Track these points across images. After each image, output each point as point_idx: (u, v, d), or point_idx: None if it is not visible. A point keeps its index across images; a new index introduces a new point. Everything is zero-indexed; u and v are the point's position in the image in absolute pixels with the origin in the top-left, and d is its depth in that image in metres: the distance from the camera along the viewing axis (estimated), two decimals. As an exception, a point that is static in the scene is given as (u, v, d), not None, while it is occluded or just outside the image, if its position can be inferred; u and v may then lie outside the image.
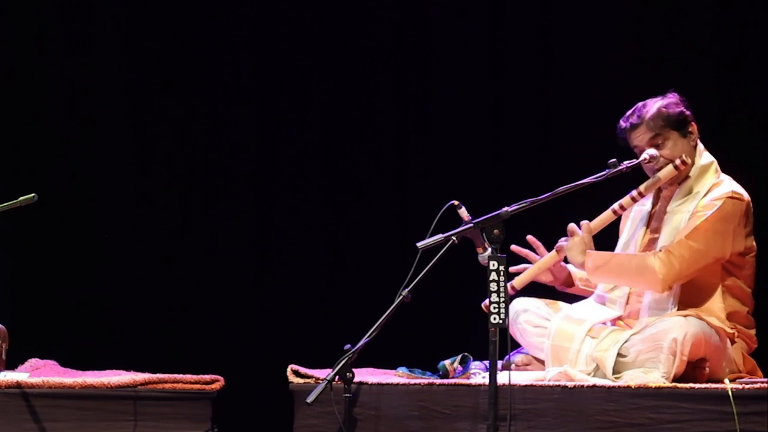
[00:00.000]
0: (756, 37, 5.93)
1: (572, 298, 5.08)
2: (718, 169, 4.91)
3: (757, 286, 4.91)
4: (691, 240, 4.72)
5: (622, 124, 4.91)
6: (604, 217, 4.90)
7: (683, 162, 4.82)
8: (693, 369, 4.63)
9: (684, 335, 4.58)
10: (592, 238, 4.85)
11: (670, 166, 4.84)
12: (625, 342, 4.64)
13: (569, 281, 5.09)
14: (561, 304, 5.01)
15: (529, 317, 4.94)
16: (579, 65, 6.16)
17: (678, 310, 4.74)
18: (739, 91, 5.96)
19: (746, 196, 4.81)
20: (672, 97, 4.90)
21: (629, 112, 4.91)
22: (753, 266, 4.85)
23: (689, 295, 4.78)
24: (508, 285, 4.44)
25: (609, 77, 6.06)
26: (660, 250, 4.74)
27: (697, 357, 4.63)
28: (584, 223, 4.86)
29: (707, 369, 4.66)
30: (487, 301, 4.71)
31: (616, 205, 4.89)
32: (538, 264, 4.94)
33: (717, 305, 4.77)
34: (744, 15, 5.95)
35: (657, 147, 4.85)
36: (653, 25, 6.06)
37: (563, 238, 4.90)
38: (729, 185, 4.84)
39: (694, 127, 4.90)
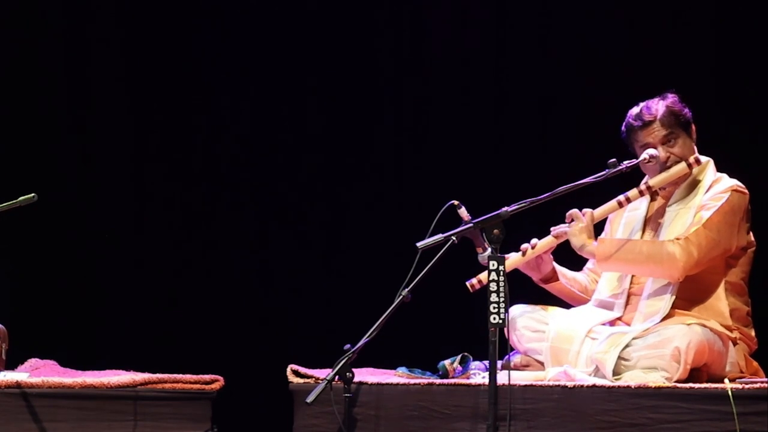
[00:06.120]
0: (755, 36, 5.93)
1: (564, 304, 5.08)
2: (714, 166, 4.94)
3: (757, 286, 4.92)
4: (707, 229, 4.74)
5: (632, 122, 4.91)
6: (609, 207, 4.91)
7: (697, 161, 4.84)
8: (691, 372, 4.62)
9: (687, 343, 4.58)
10: (593, 226, 4.87)
11: (682, 164, 4.86)
12: (627, 346, 4.64)
13: (551, 276, 5.06)
14: (557, 308, 5.01)
15: (526, 322, 4.94)
16: (579, 65, 6.16)
17: (680, 308, 4.75)
18: (738, 91, 5.96)
19: (746, 190, 4.86)
20: (674, 98, 4.92)
21: (636, 112, 4.92)
22: (751, 262, 4.88)
23: (691, 292, 4.79)
24: None
25: (609, 77, 6.06)
26: (678, 238, 4.74)
27: (700, 364, 4.63)
28: (587, 210, 4.86)
29: (706, 374, 4.66)
30: (473, 280, 4.73)
31: (621, 197, 4.89)
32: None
33: (720, 303, 4.78)
34: (743, 14, 5.95)
35: (668, 145, 4.87)
36: (653, 25, 6.06)
37: (561, 225, 4.90)
38: (730, 180, 4.88)
39: (694, 129, 4.93)
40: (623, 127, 4.96)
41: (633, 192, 4.89)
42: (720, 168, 4.95)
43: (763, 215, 4.99)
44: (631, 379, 4.53)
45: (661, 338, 4.62)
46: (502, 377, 4.31)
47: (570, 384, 4.49)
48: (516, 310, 4.97)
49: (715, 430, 4.32)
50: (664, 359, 4.56)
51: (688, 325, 4.65)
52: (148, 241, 6.40)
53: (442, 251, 4.44)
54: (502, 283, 4.25)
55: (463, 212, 4.54)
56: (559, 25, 6.21)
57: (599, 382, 4.54)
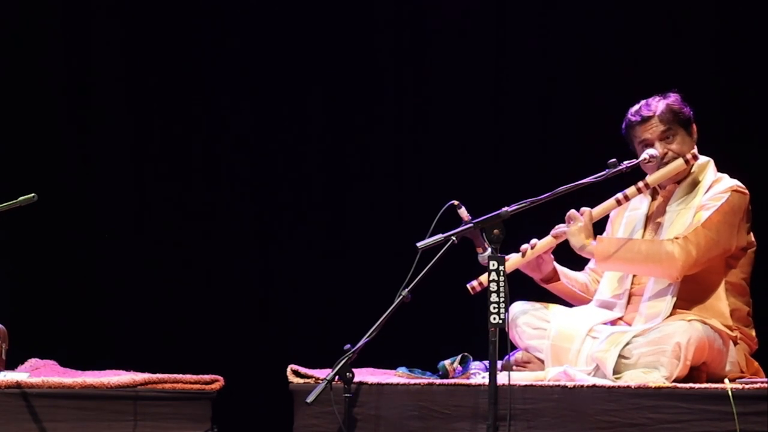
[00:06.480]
0: (755, 36, 5.93)
1: (564, 302, 5.08)
2: (715, 166, 4.94)
3: (757, 286, 4.92)
4: (706, 228, 4.74)
5: (631, 118, 4.91)
6: (607, 206, 4.91)
7: (694, 156, 4.85)
8: (691, 371, 4.62)
9: (688, 339, 4.58)
10: (592, 225, 4.87)
11: (680, 160, 4.86)
12: (628, 344, 4.64)
13: (552, 276, 5.06)
14: (558, 306, 5.01)
15: (527, 319, 4.94)
16: (579, 65, 6.16)
17: (681, 308, 4.75)
18: (738, 90, 5.96)
19: (747, 190, 4.85)
20: (675, 96, 4.92)
21: (635, 108, 4.92)
22: (752, 262, 4.88)
23: (692, 292, 4.79)
24: None
25: (609, 77, 6.06)
26: (677, 237, 4.74)
27: (700, 361, 4.64)
28: (585, 209, 4.86)
29: (706, 374, 4.66)
30: (474, 282, 4.73)
31: (620, 195, 4.89)
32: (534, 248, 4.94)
33: (721, 303, 4.78)
34: (743, 14, 5.95)
35: (667, 141, 4.87)
36: (653, 25, 6.06)
37: (560, 225, 4.90)
38: (731, 180, 4.88)
39: (695, 128, 4.93)
40: (623, 124, 4.96)
41: (631, 190, 4.89)
42: (720, 168, 4.95)
43: (763, 215, 4.99)
44: (630, 378, 4.53)
45: (662, 334, 4.62)
46: (502, 377, 4.31)
47: (570, 384, 4.49)
48: (517, 306, 4.97)
49: (715, 430, 4.32)
50: (665, 355, 4.56)
51: (689, 321, 4.66)
52: (148, 241, 6.39)
53: (442, 251, 4.43)
54: (502, 283, 4.25)
55: (463, 212, 4.54)
56: (559, 25, 6.21)
57: (599, 382, 4.54)
